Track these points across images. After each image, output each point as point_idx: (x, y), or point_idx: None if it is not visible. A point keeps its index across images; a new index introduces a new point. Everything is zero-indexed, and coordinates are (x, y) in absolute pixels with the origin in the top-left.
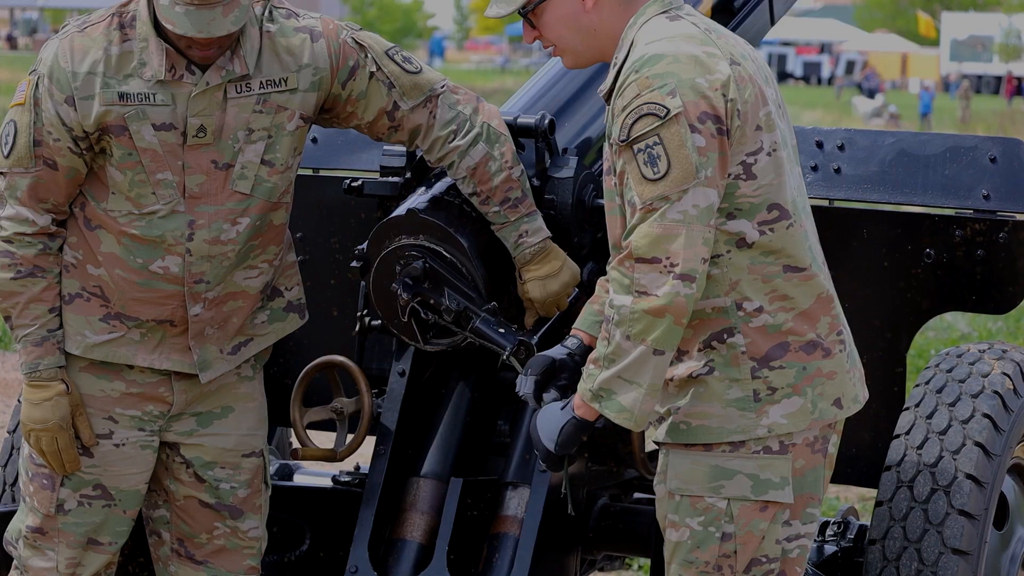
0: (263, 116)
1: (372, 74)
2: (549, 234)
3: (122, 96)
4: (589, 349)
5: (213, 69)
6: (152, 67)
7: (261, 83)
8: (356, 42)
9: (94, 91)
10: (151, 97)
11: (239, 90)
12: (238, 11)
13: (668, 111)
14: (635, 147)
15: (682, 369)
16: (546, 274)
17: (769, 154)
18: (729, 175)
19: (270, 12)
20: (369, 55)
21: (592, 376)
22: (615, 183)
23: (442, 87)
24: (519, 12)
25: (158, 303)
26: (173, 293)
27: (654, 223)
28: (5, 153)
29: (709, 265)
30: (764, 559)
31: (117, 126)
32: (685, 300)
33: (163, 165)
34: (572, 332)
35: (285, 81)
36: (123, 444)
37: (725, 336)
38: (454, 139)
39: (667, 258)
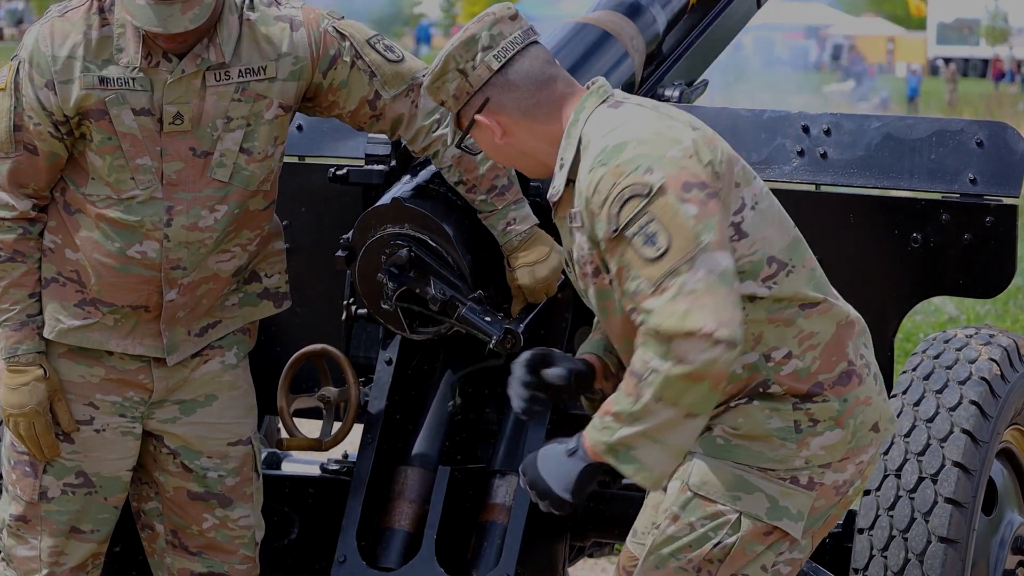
0: (242, 104)
1: (353, 63)
2: (537, 221)
3: (102, 80)
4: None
5: (189, 57)
6: (129, 54)
7: (240, 71)
8: (337, 31)
9: (74, 75)
10: (130, 82)
11: (218, 78)
12: (198, 9)
13: (651, 187)
14: (628, 232)
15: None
16: (534, 260)
17: (753, 207)
18: None
19: (251, 0)
20: (350, 44)
21: (610, 429)
22: (611, 280)
23: (424, 75)
24: (456, 144)
25: (134, 288)
26: (149, 278)
27: (676, 299)
28: None
29: None
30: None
31: (97, 111)
32: (725, 365)
33: (142, 150)
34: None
35: (264, 70)
36: (103, 430)
37: (761, 389)
38: (438, 128)
39: (701, 328)
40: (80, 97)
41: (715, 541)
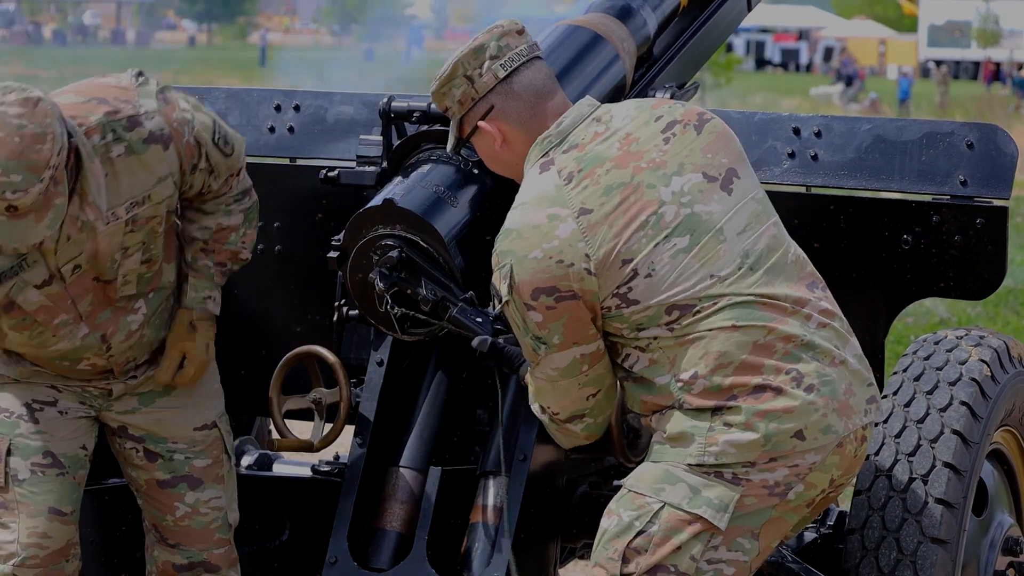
0: (135, 233)
1: (203, 169)
2: (215, 314)
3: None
4: None
5: (68, 221)
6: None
7: (127, 208)
8: (196, 141)
9: None
10: (23, 264)
11: (107, 221)
12: (52, 214)
13: (502, 296)
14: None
15: (656, 418)
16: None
17: (648, 275)
18: (608, 308)
19: (113, 133)
20: (203, 151)
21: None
22: None
23: (242, 162)
24: (455, 151)
25: (97, 376)
26: (108, 370)
27: (531, 376)
28: None
29: (649, 351)
30: (672, 568)
31: (3, 305)
32: (583, 431)
33: (57, 312)
34: None
35: (149, 197)
36: (66, 412)
37: (675, 406)
38: (233, 203)
39: (548, 407)
40: None
41: (638, 530)
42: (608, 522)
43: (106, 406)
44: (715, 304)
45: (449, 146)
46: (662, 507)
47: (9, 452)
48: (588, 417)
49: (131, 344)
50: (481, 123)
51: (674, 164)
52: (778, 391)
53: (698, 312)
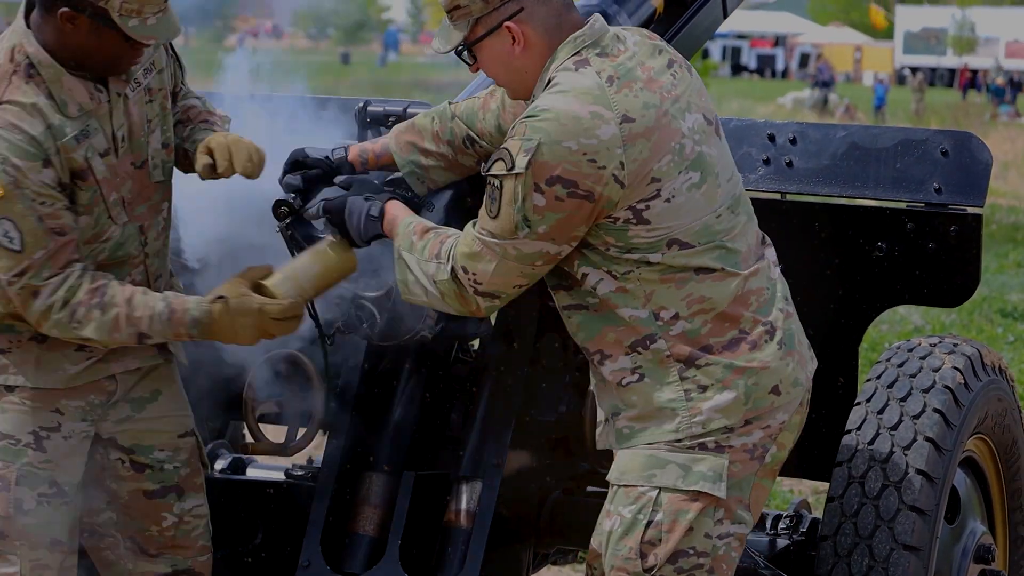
0: (152, 104)
1: (173, 57)
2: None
3: (77, 138)
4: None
5: (114, 80)
6: (76, 101)
7: (142, 73)
8: None
9: (56, 144)
10: (87, 130)
11: (132, 88)
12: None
13: (513, 167)
14: (487, 179)
15: (608, 370)
16: (227, 139)
17: (668, 200)
18: (617, 219)
19: None
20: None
21: (406, 243)
22: None
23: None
24: (456, 52)
25: None
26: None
27: (476, 240)
28: (18, 248)
29: (622, 280)
30: (691, 551)
31: (82, 169)
32: (485, 308)
33: (112, 187)
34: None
35: (153, 64)
36: (71, 436)
37: (648, 343)
38: (190, 94)
39: (473, 275)
40: (68, 161)
41: (645, 522)
42: (610, 523)
43: (104, 415)
44: (710, 244)
45: (444, 47)
46: (658, 493)
47: (16, 482)
48: (499, 300)
49: (159, 247)
50: (509, 23)
51: (684, 101)
52: (753, 345)
53: (692, 249)
